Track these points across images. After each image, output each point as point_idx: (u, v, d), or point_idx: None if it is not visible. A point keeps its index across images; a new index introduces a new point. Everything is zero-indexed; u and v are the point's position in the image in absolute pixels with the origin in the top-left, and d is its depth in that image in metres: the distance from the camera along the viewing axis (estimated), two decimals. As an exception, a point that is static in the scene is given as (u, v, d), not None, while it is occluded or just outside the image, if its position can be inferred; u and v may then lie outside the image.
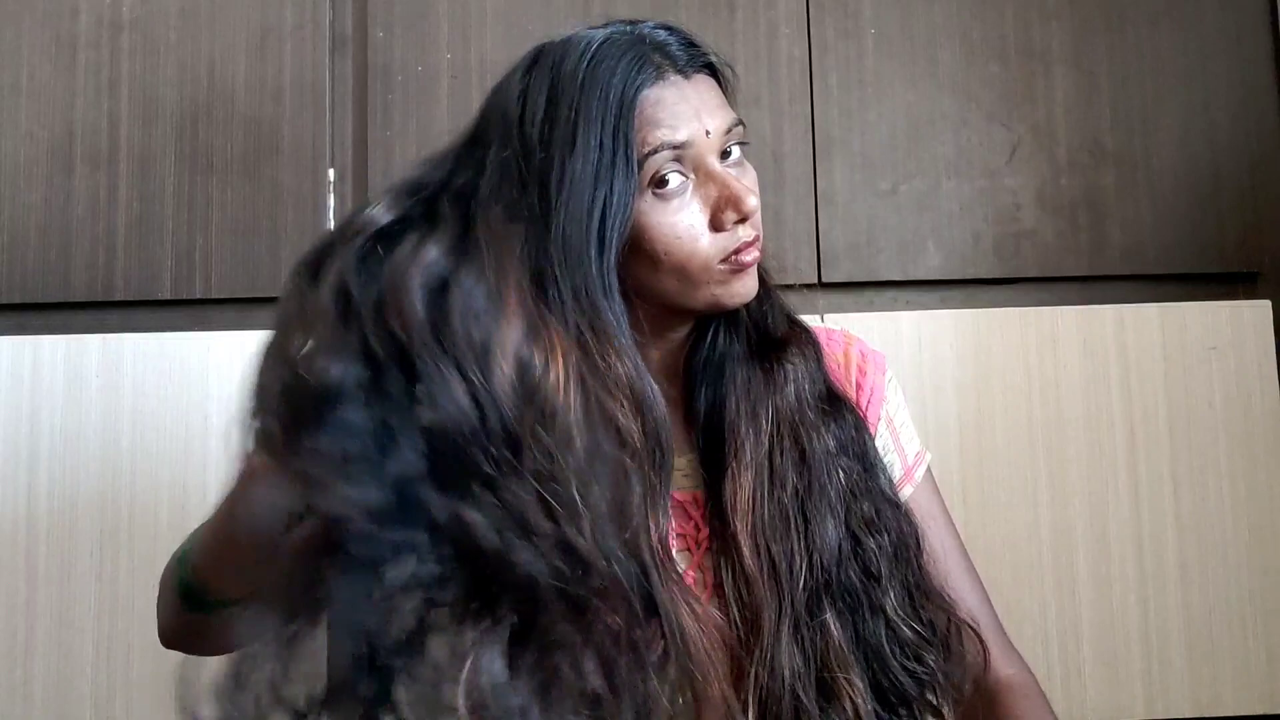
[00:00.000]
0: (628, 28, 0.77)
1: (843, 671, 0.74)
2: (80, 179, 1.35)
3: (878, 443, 0.85)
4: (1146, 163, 1.40)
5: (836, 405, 0.82)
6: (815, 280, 1.37)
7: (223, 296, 1.34)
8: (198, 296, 1.34)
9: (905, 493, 0.87)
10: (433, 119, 1.37)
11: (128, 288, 1.34)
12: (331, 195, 1.36)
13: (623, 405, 0.71)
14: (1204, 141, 1.41)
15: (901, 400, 0.91)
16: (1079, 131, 1.40)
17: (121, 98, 1.37)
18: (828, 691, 0.74)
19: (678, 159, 0.74)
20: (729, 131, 0.76)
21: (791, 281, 0.88)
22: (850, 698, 0.74)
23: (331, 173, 1.37)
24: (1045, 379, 1.34)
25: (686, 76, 0.75)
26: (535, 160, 0.73)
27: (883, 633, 0.76)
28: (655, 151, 0.73)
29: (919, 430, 0.93)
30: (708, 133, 0.74)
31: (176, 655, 0.88)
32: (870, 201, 1.39)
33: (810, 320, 0.88)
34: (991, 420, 1.33)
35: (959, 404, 1.33)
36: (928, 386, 1.32)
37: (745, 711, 0.73)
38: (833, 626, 0.75)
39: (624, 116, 0.72)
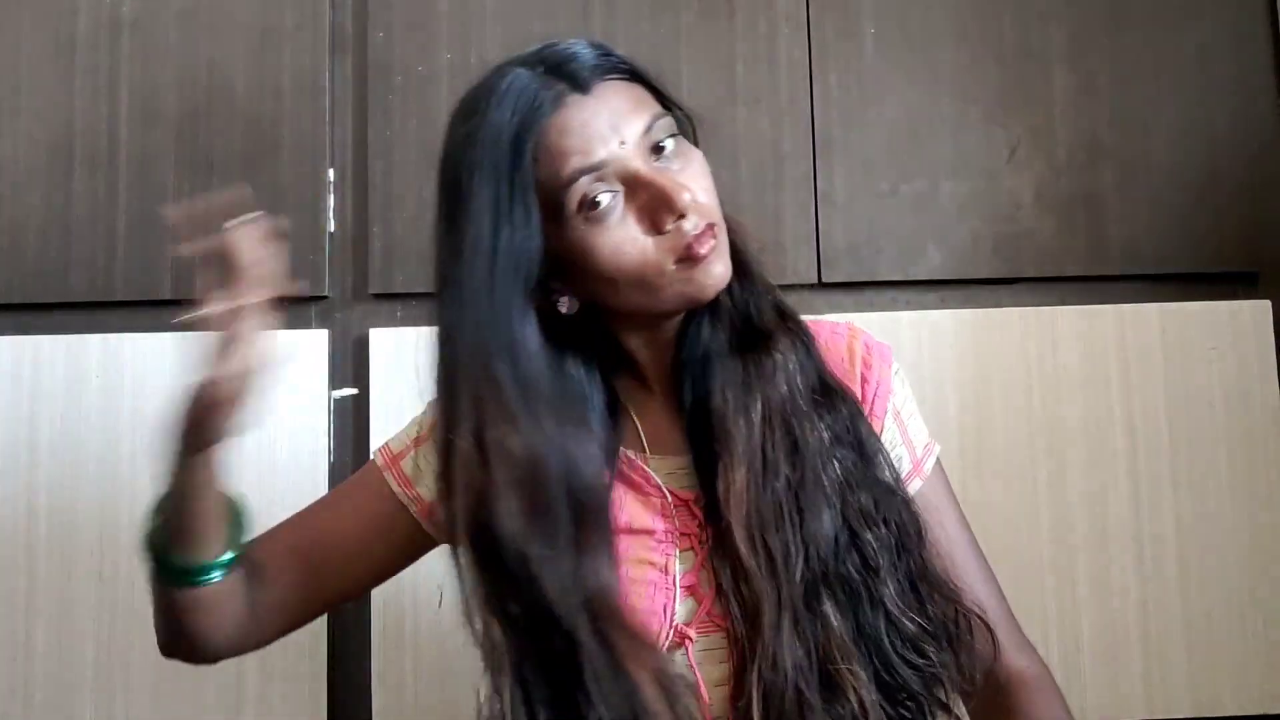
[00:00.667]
0: (532, 55, 0.76)
1: (845, 662, 0.73)
2: (80, 179, 1.35)
3: (885, 436, 0.85)
4: (1146, 163, 1.40)
5: (830, 395, 0.81)
6: (815, 280, 1.37)
7: (223, 297, 1.34)
8: (197, 296, 1.34)
9: (914, 486, 0.86)
10: (433, 119, 1.37)
11: (128, 288, 1.34)
12: (331, 195, 1.36)
13: (510, 486, 0.73)
14: (1203, 141, 1.41)
15: (909, 392, 0.90)
16: (1078, 132, 1.40)
17: (121, 98, 1.36)
18: (830, 684, 0.73)
19: (600, 179, 0.73)
20: (649, 130, 0.75)
21: (791, 281, 0.88)
22: (854, 689, 0.73)
23: (331, 173, 1.37)
24: (1045, 379, 1.34)
25: (588, 91, 0.74)
26: (447, 222, 0.76)
27: (882, 625, 0.76)
28: (574, 180, 0.72)
29: (920, 429, 0.93)
30: (623, 142, 0.73)
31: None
32: (870, 202, 1.39)
33: (816, 315, 0.87)
34: (991, 420, 1.33)
35: (959, 404, 1.33)
36: (928, 386, 1.32)
37: (749, 708, 0.73)
38: (833, 618, 0.75)
39: (517, 159, 0.72)
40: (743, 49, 1.39)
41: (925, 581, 0.79)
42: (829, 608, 0.75)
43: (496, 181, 0.72)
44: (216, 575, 0.80)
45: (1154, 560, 1.32)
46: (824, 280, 1.37)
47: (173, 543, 0.79)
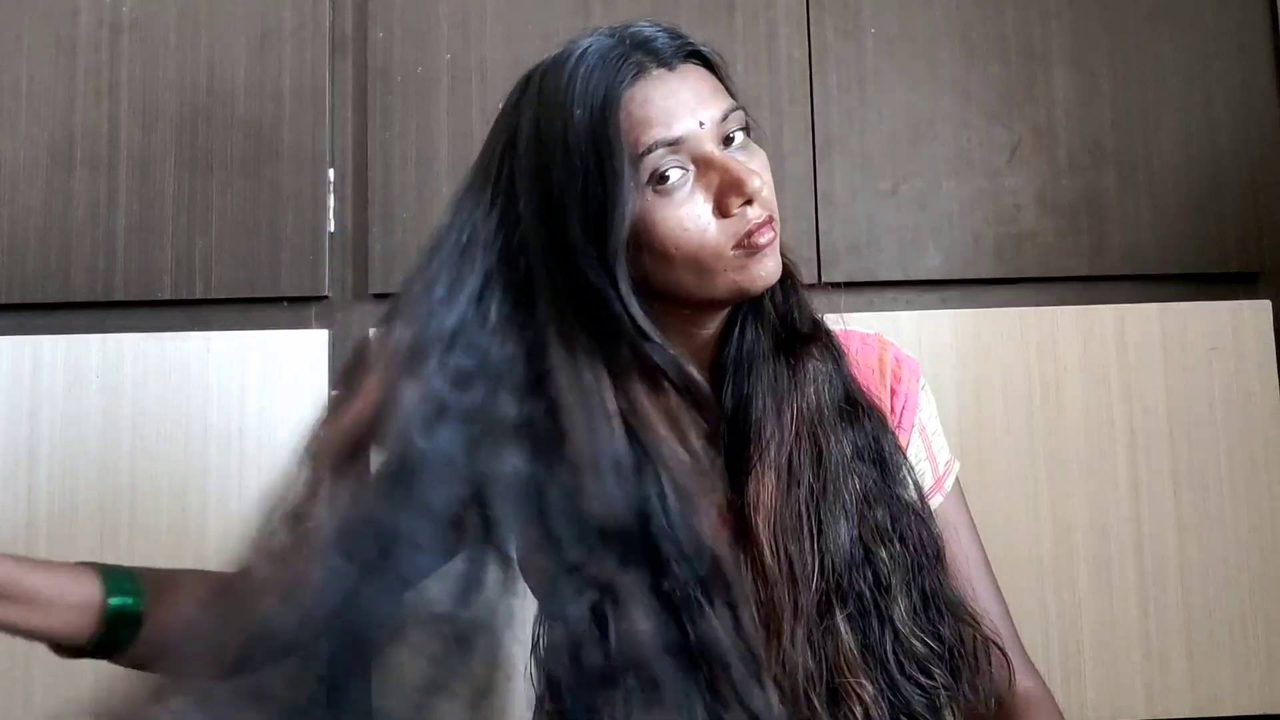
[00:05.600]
0: (611, 31, 0.76)
1: (851, 676, 0.73)
2: (80, 180, 1.35)
3: (910, 451, 0.84)
4: (1147, 163, 1.40)
5: (855, 409, 0.81)
6: (815, 280, 1.37)
7: (223, 297, 1.34)
8: (198, 296, 1.34)
9: (935, 502, 0.86)
10: (433, 120, 1.37)
11: (128, 288, 1.34)
12: (331, 197, 1.36)
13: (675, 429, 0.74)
14: (1204, 142, 1.41)
15: (934, 408, 0.90)
16: (1079, 132, 1.40)
17: (121, 99, 1.37)
18: (836, 697, 0.73)
19: (675, 153, 0.72)
20: (725, 119, 0.75)
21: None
22: (860, 702, 0.73)
23: (331, 174, 1.37)
24: (1045, 379, 1.34)
25: (672, 68, 0.74)
26: (531, 192, 0.74)
27: (889, 643, 0.75)
28: (650, 150, 0.72)
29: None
30: (702, 124, 0.73)
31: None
32: (870, 201, 1.39)
33: (845, 322, 0.87)
34: (991, 420, 1.33)
35: (959, 404, 1.33)
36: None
37: None
38: (843, 631, 0.74)
39: (608, 121, 0.71)
40: (743, 49, 1.39)
41: (939, 602, 0.78)
42: (840, 620, 0.74)
43: (587, 139, 0.71)
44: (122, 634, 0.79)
45: (1154, 560, 1.32)
46: (824, 280, 1.37)
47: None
